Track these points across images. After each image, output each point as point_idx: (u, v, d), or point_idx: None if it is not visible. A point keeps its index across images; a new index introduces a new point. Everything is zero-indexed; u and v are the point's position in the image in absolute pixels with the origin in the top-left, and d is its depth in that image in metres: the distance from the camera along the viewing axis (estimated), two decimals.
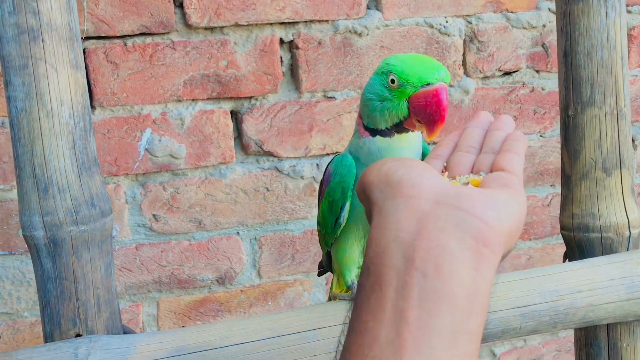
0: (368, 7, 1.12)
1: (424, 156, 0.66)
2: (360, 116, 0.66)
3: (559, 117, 1.07)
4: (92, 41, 1.03)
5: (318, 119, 1.12)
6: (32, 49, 0.64)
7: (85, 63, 1.02)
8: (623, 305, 0.75)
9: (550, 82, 1.21)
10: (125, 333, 0.72)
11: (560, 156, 0.84)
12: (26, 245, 0.69)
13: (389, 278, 0.38)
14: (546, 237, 1.27)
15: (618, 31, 0.78)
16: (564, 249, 0.86)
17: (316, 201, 1.05)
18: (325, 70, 1.11)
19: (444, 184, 0.42)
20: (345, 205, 0.66)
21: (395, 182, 0.42)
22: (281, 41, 1.09)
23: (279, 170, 1.13)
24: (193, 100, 1.08)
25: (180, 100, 1.08)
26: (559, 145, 0.86)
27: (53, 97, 0.65)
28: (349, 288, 0.72)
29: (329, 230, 0.69)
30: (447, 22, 1.14)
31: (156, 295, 1.13)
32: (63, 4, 0.66)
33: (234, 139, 1.11)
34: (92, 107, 1.04)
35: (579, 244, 0.82)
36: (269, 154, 1.12)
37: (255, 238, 1.14)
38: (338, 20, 1.10)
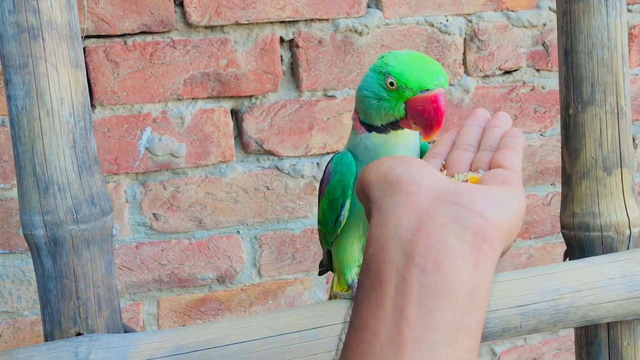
0: (368, 6, 1.11)
1: (422, 154, 0.66)
2: (356, 111, 0.66)
3: (559, 116, 1.07)
4: (92, 40, 1.03)
5: (318, 117, 1.12)
6: (32, 47, 0.64)
7: (86, 62, 1.02)
8: (623, 304, 0.75)
9: (551, 81, 1.21)
10: (125, 332, 0.72)
11: (560, 155, 0.84)
12: (26, 244, 0.69)
13: (389, 275, 0.38)
14: (546, 236, 1.27)
15: (619, 30, 0.78)
16: (564, 248, 0.86)
17: (316, 200, 1.05)
18: (325, 69, 1.11)
19: (443, 180, 0.42)
20: (345, 203, 0.66)
21: (394, 179, 0.42)
22: (281, 40, 1.09)
23: (280, 169, 1.13)
24: (193, 99, 1.08)
25: (180, 99, 1.08)
26: (559, 144, 0.86)
27: (53, 96, 0.65)
28: (349, 287, 0.72)
29: (330, 229, 0.69)
30: (447, 20, 1.14)
31: (156, 294, 1.13)
32: (63, 3, 0.66)
33: (234, 137, 1.11)
34: (93, 105, 1.04)
35: (580, 243, 0.82)
36: (270, 152, 1.12)
37: (255, 237, 1.14)
38: (338, 19, 1.10)
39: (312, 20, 1.09)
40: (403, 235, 0.39)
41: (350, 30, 1.10)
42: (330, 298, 0.76)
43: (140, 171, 1.08)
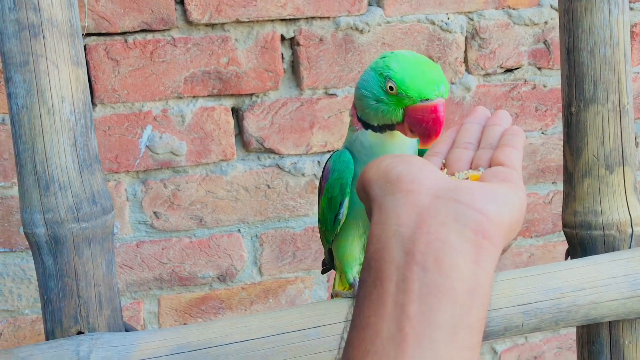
0: (369, 4, 1.11)
1: (419, 153, 0.66)
2: (354, 107, 0.65)
3: (560, 114, 1.07)
4: (92, 38, 1.03)
5: (319, 116, 1.12)
6: (32, 45, 0.64)
7: (86, 60, 1.02)
8: (625, 303, 0.75)
9: (552, 79, 1.21)
10: (126, 330, 0.71)
11: (562, 153, 0.84)
12: (27, 243, 0.69)
13: (390, 273, 0.38)
14: (547, 234, 1.27)
15: (621, 28, 0.78)
16: (566, 246, 0.86)
17: (317, 198, 1.05)
18: (326, 67, 1.10)
19: (444, 178, 0.42)
20: (344, 201, 0.66)
21: (394, 178, 0.42)
22: (282, 38, 1.09)
23: (280, 168, 1.13)
24: (194, 97, 1.08)
25: (181, 97, 1.07)
26: (561, 143, 0.86)
27: (54, 94, 0.65)
28: (350, 285, 0.72)
29: (329, 227, 0.69)
30: (448, 18, 1.14)
31: (157, 293, 1.13)
32: (64, 0, 0.65)
33: (235, 136, 1.11)
34: (93, 104, 1.04)
35: (581, 242, 0.81)
36: (270, 151, 1.12)
37: (256, 235, 1.14)
38: (339, 16, 1.10)
39: (313, 18, 1.09)
40: (404, 233, 0.39)
41: (351, 28, 1.10)
42: (331, 297, 0.76)
43: (141, 169, 1.08)
